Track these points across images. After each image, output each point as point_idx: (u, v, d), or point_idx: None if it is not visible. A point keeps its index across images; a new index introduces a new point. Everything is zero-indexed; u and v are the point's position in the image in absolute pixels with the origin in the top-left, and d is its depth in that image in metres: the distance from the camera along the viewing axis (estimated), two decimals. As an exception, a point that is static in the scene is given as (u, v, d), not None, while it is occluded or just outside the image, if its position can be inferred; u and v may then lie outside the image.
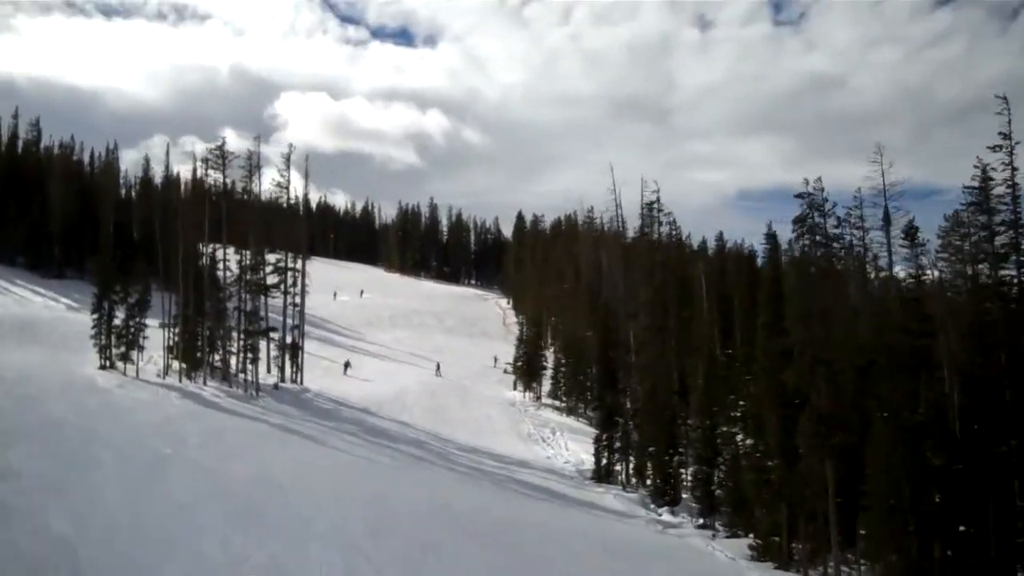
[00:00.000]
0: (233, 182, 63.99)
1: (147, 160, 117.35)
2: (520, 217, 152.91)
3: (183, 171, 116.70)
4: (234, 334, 62.39)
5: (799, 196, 31.43)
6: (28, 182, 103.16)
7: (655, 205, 48.57)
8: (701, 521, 40.31)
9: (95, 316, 58.75)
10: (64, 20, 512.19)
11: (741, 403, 37.61)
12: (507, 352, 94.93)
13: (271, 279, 64.53)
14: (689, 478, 45.24)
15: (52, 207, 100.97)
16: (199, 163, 63.12)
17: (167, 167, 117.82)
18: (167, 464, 34.15)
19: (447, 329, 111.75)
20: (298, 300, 65.97)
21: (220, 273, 62.97)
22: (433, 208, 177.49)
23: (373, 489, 35.53)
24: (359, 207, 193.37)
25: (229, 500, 28.79)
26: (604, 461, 49.37)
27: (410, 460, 44.70)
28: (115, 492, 27.84)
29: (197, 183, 67.11)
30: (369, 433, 50.62)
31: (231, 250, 64.01)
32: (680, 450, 45.94)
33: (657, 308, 48.01)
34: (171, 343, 60.90)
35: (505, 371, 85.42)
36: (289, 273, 65.31)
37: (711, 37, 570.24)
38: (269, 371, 62.98)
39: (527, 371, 75.01)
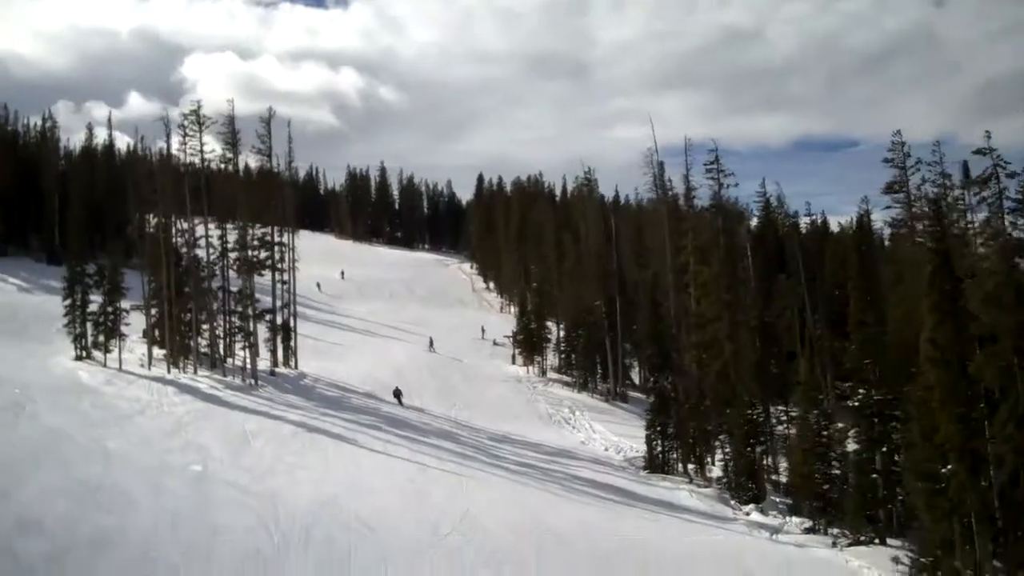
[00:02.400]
0: (204, 152, 57.24)
1: (90, 128, 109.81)
2: (480, 179, 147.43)
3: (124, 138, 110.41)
4: (219, 317, 56.69)
5: (979, 152, 26.69)
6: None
7: (716, 165, 43.71)
8: (807, 524, 35.77)
9: (67, 302, 52.68)
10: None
11: (861, 391, 33.02)
12: (491, 322, 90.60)
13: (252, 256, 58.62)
14: (778, 472, 40.97)
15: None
16: (178, 129, 56.34)
17: (110, 135, 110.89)
18: (206, 489, 29.12)
19: (420, 299, 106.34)
20: (286, 277, 60.08)
21: (201, 251, 56.72)
22: (383, 172, 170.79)
23: (456, 508, 30.63)
24: (302, 172, 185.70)
25: (312, 545, 23.80)
26: (658, 450, 44.63)
27: (457, 459, 39.78)
28: (167, 541, 22.76)
29: (163, 154, 60.16)
30: (393, 425, 45.51)
31: (210, 226, 57.88)
32: (763, 440, 41.53)
33: (722, 280, 43.17)
34: (149, 328, 55.13)
35: (495, 343, 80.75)
36: (276, 249, 59.28)
37: None
38: (258, 355, 57.23)
39: (528, 344, 70.08)
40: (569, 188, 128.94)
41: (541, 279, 78.44)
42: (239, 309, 56.74)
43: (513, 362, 72.43)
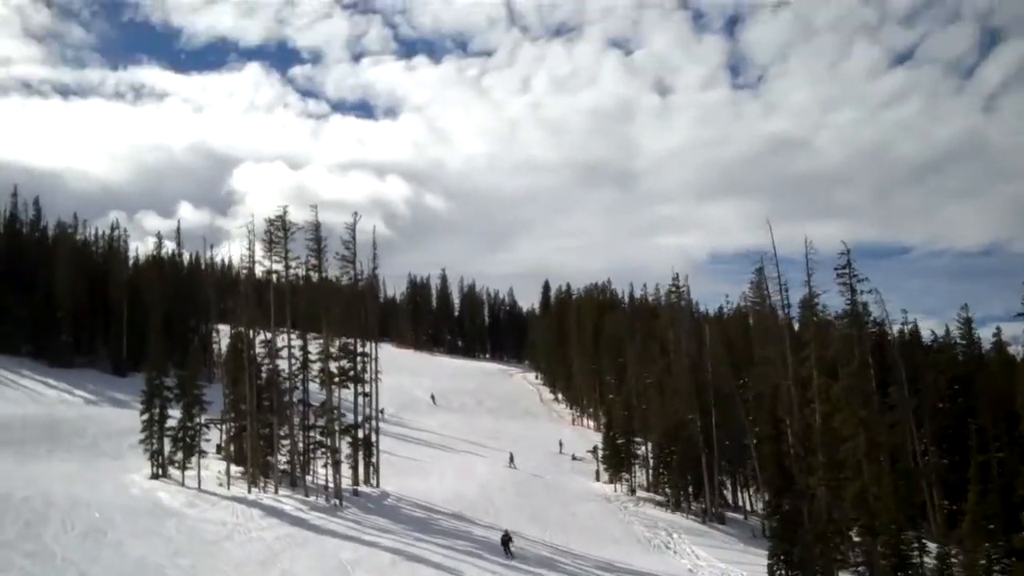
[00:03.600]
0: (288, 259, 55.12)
1: (159, 237, 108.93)
2: (546, 287, 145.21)
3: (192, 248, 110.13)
4: (299, 433, 54.02)
5: None
6: (31, 265, 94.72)
7: (849, 270, 40.59)
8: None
9: (144, 417, 50.32)
10: (22, 101, 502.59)
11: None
12: (565, 436, 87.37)
13: (334, 367, 56.04)
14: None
15: (58, 291, 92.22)
16: (256, 238, 54.51)
17: (178, 244, 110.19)
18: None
19: (489, 410, 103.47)
20: (367, 390, 57.38)
21: (282, 362, 54.31)
22: (444, 280, 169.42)
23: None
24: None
25: None
26: (783, 580, 40.66)
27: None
28: None
29: (237, 264, 58.00)
30: (492, 552, 42.03)
31: (284, 337, 55.54)
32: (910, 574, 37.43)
33: (855, 395, 39.65)
34: (227, 444, 52.63)
35: (574, 458, 77.38)
36: (358, 359, 56.69)
37: (671, 102, 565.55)
38: (337, 472, 54.20)
39: (615, 461, 66.52)
40: (636, 295, 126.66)
41: (628, 392, 74.69)
42: (320, 423, 54.13)
43: (597, 479, 68.87)
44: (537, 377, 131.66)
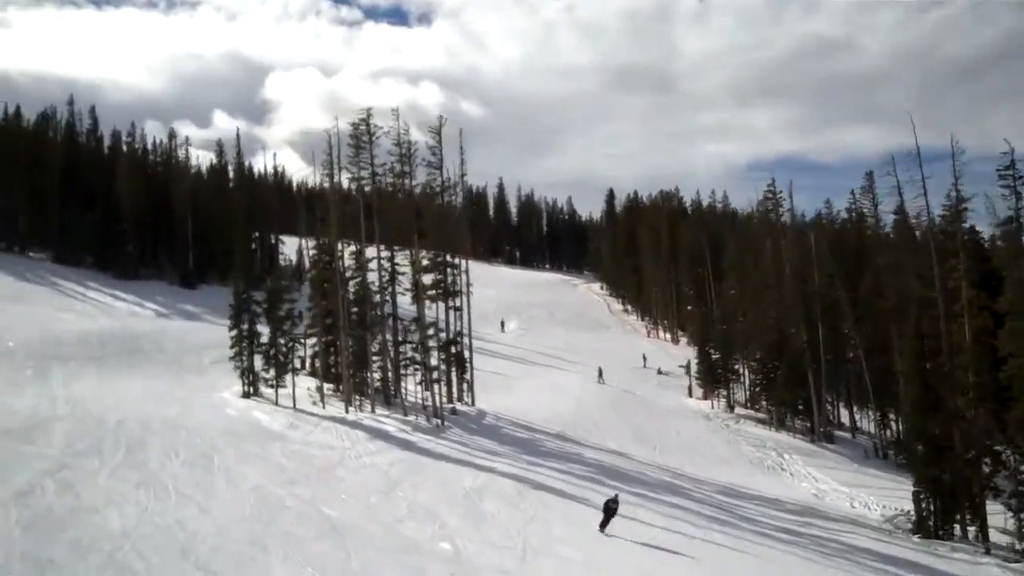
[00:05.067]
0: (375, 166, 51.74)
1: (220, 145, 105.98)
2: (611, 195, 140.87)
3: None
4: (391, 349, 51.41)
5: None
6: (91, 175, 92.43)
7: (1012, 171, 36.51)
8: None
9: (233, 333, 47.77)
10: (56, 12, 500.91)
11: None
12: (644, 348, 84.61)
13: (427, 280, 53.17)
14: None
15: (121, 202, 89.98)
16: (345, 141, 51.05)
17: (239, 153, 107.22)
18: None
19: (561, 322, 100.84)
20: (457, 303, 54.51)
21: (370, 276, 51.46)
22: (501, 189, 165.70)
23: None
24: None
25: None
26: (931, 511, 37.51)
27: (711, 525, 33.39)
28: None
29: (331, 171, 54.58)
30: (613, 478, 39.24)
31: (373, 250, 52.57)
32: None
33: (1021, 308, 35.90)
34: (323, 361, 50.19)
35: (659, 372, 74.62)
36: (448, 272, 53.76)
37: (710, 3, 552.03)
38: (425, 388, 51.60)
39: (711, 377, 63.58)
40: (704, 203, 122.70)
41: (724, 304, 71.28)
42: (411, 339, 51.48)
43: (690, 395, 66.13)
44: (602, 288, 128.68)
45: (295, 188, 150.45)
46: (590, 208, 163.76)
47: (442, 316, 53.61)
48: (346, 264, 50.82)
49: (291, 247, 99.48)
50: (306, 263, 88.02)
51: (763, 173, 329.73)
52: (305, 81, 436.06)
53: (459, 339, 53.54)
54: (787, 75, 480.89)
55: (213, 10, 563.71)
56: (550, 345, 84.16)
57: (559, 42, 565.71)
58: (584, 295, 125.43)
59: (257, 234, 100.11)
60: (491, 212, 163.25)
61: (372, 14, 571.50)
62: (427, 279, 52.41)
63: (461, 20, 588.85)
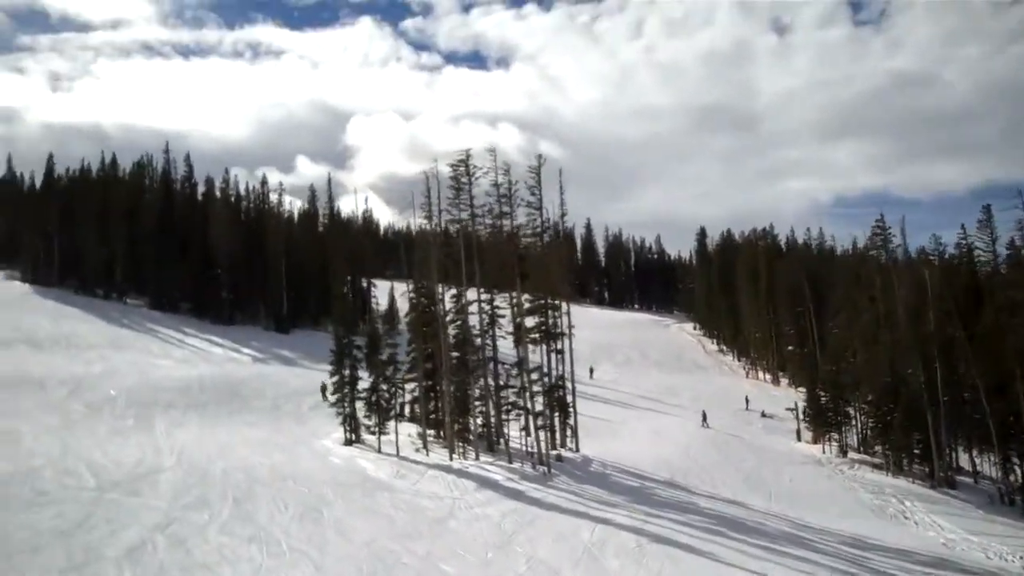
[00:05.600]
0: (474, 207, 50.73)
1: (312, 190, 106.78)
2: (702, 233, 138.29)
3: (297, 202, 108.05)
4: (491, 394, 50.07)
5: None
6: (186, 221, 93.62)
7: None
8: None
9: (335, 378, 46.98)
10: (144, 62, 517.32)
11: None
12: (745, 391, 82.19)
13: (530, 322, 51.83)
14: None
15: (215, 248, 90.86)
16: (442, 184, 50.14)
17: (330, 198, 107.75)
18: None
19: (656, 363, 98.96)
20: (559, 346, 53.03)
21: (474, 320, 50.34)
22: (588, 228, 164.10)
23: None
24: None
25: None
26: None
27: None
28: None
29: (427, 214, 53.59)
30: (733, 529, 37.39)
31: (472, 292, 51.44)
32: None
33: None
34: (423, 407, 49.10)
35: (764, 415, 72.19)
36: (549, 314, 52.34)
37: (790, 41, 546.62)
38: (528, 434, 50.18)
39: (821, 419, 61.08)
40: (799, 240, 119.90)
41: (832, 345, 68.58)
42: (512, 384, 50.16)
43: (799, 439, 63.65)
44: (695, 328, 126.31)
45: (382, 232, 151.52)
46: (674, 247, 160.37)
47: (543, 360, 52.14)
48: (447, 307, 49.76)
49: (382, 291, 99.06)
50: (398, 307, 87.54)
51: (849, 209, 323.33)
52: (386, 126, 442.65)
53: (562, 383, 52.04)
54: (870, 111, 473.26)
55: (297, 58, 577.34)
56: (648, 387, 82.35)
57: (638, 83, 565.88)
58: (677, 335, 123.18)
59: (349, 278, 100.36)
60: (579, 252, 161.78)
61: (452, 59, 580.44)
62: (528, 322, 51.05)
63: (539, 63, 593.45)
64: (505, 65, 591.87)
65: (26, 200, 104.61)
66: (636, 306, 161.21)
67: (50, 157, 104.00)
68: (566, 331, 52.99)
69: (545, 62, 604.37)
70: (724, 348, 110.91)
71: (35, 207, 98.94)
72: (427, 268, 51.25)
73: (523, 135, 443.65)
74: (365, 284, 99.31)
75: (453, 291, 50.82)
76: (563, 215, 54.79)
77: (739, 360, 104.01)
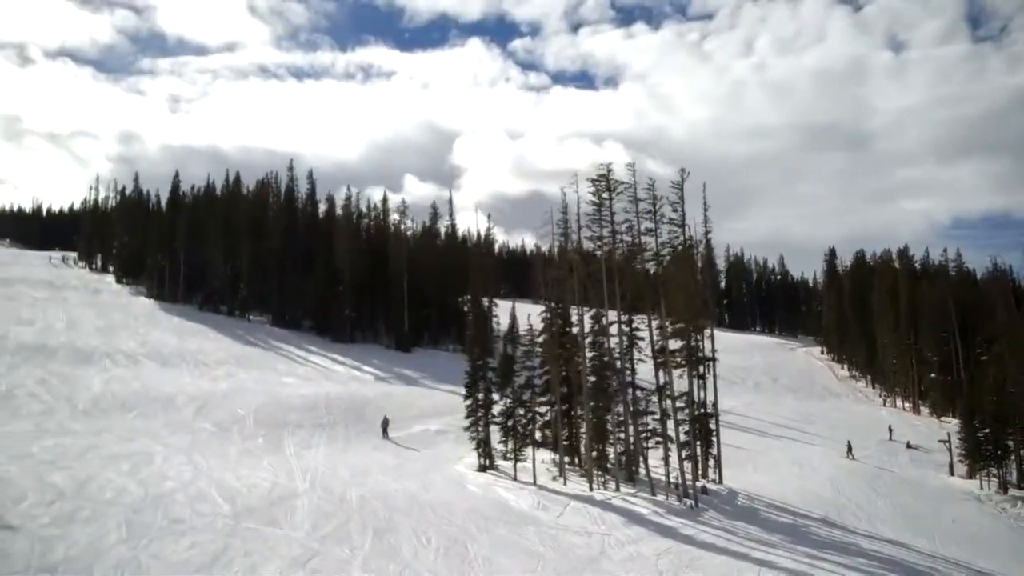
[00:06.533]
0: (615, 223, 48.26)
1: (434, 208, 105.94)
2: (831, 254, 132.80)
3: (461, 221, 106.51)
4: (630, 420, 47.50)
5: None
6: (309, 240, 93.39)
7: None
8: None
9: (468, 402, 45.06)
10: (260, 83, 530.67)
11: None
12: (884, 419, 77.89)
13: (673, 345, 49.10)
14: None
15: (338, 266, 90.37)
16: (591, 196, 47.80)
17: (451, 216, 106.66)
18: None
19: (787, 389, 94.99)
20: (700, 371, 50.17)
21: (612, 343, 47.80)
22: (709, 247, 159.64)
23: None
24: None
25: None
26: None
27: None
28: None
29: (563, 232, 51.36)
30: (903, 573, 34.26)
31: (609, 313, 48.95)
32: None
33: None
34: (557, 433, 46.82)
35: (909, 446, 67.94)
36: (692, 337, 49.50)
37: (906, 59, 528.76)
38: (666, 463, 47.47)
39: (978, 453, 56.85)
40: (933, 260, 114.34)
41: (997, 374, 63.83)
42: (652, 411, 47.54)
43: (951, 473, 59.47)
44: (823, 352, 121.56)
45: (496, 250, 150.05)
46: (792, 268, 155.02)
47: (683, 385, 49.36)
48: (586, 329, 47.48)
49: (503, 310, 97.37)
50: (519, 327, 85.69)
51: (968, 231, 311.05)
52: (492, 145, 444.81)
53: (705, 410, 49.24)
54: (992, 129, 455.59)
55: (407, 79, 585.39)
56: (782, 414, 78.70)
57: (748, 102, 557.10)
58: (805, 360, 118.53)
59: (469, 297, 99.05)
60: (699, 271, 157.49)
61: (560, 79, 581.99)
62: (681, 344, 48.38)
63: (649, 82, 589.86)
64: (613, 84, 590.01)
65: (154, 217, 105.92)
66: (757, 328, 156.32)
67: (176, 175, 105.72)
68: (710, 355, 50.14)
69: (654, 81, 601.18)
70: (856, 374, 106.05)
71: (162, 224, 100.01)
72: (563, 288, 49.17)
73: (629, 153, 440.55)
74: (486, 304, 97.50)
75: (591, 311, 48.52)
76: (707, 232, 52.35)
77: (873, 387, 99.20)
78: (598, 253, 48.78)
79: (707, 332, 50.43)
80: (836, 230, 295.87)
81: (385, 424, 51.78)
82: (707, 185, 49.47)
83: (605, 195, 47.30)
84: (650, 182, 47.85)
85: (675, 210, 48.83)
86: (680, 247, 49.90)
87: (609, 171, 47.36)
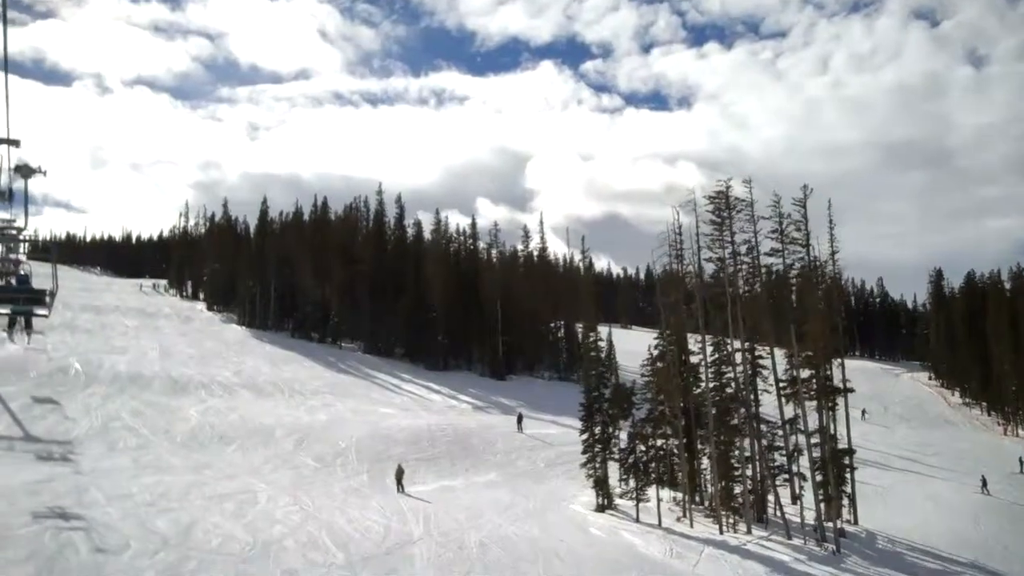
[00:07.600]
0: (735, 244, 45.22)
1: (526, 231, 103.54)
2: (938, 275, 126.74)
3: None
4: (756, 457, 44.26)
5: None
6: (400, 266, 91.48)
7: None
8: None
9: (585, 436, 42.24)
10: (336, 109, 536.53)
11: None
12: (1005, 448, 73.73)
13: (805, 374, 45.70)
14: None
15: (429, 292, 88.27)
16: (711, 214, 44.88)
17: (542, 240, 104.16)
18: None
19: (900, 417, 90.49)
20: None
21: (734, 372, 44.64)
22: (836, 270, 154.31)
23: None
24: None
25: None
26: None
27: None
28: None
29: (677, 256, 48.39)
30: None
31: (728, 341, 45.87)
32: None
33: None
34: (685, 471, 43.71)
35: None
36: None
37: (987, 74, 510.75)
38: (793, 502, 44.18)
39: None
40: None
41: None
42: (779, 445, 44.26)
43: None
44: (930, 378, 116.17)
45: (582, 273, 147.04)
46: (902, 291, 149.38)
47: (811, 418, 45.91)
48: (708, 359, 44.39)
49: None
50: (615, 353, 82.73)
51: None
52: (565, 167, 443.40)
53: (836, 444, 45.69)
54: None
55: (480, 103, 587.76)
56: (899, 445, 74.63)
57: (823, 119, 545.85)
58: (911, 386, 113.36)
59: (562, 323, 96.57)
60: (793, 294, 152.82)
61: (632, 100, 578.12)
62: (811, 374, 44.97)
63: (722, 102, 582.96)
64: (687, 105, 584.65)
65: (244, 245, 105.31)
66: (856, 353, 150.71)
67: (264, 201, 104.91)
68: (841, 386, 46.64)
69: (727, 100, 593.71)
70: (970, 400, 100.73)
71: (252, 251, 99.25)
72: (678, 313, 46.26)
73: (703, 172, 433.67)
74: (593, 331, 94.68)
75: (712, 340, 45.48)
76: (834, 252, 49.00)
77: (989, 414, 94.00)
78: (720, 275, 45.66)
79: (836, 361, 46.87)
80: (920, 250, 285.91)
81: (399, 475, 42.87)
82: (782, 203, 45.74)
83: (725, 213, 44.31)
84: (776, 198, 44.71)
85: (798, 229, 45.83)
86: (806, 268, 46.71)
87: (728, 187, 44.43)
